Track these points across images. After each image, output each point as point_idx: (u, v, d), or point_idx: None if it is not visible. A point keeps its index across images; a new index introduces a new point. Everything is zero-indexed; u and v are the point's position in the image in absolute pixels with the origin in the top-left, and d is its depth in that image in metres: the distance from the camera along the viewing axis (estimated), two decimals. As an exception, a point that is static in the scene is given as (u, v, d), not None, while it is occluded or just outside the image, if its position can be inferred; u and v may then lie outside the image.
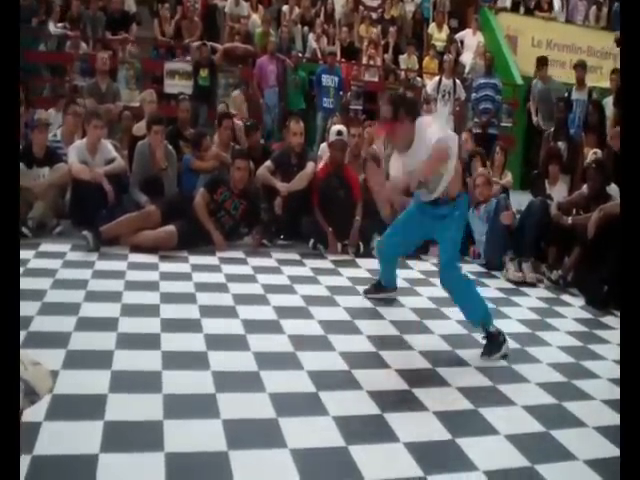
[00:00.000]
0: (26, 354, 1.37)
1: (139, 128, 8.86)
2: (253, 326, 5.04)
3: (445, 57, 13.37)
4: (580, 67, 11.86)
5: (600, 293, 6.34)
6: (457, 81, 12.70)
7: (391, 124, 4.89)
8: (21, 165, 7.17)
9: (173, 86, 12.34)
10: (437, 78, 12.77)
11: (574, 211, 7.34)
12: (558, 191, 8.33)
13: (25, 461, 2.99)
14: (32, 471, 2.97)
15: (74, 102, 8.72)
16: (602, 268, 6.40)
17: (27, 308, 4.92)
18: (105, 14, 13.36)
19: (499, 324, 5.58)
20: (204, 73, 12.16)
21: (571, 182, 9.48)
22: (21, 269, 5.85)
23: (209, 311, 5.28)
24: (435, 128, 4.82)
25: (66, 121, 8.52)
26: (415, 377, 4.41)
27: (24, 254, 6.26)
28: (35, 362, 1.39)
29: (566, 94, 11.96)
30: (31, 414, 1.32)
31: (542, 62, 13.03)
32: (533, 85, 13.10)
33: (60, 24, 12.93)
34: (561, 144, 10.49)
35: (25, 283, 5.51)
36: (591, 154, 8.94)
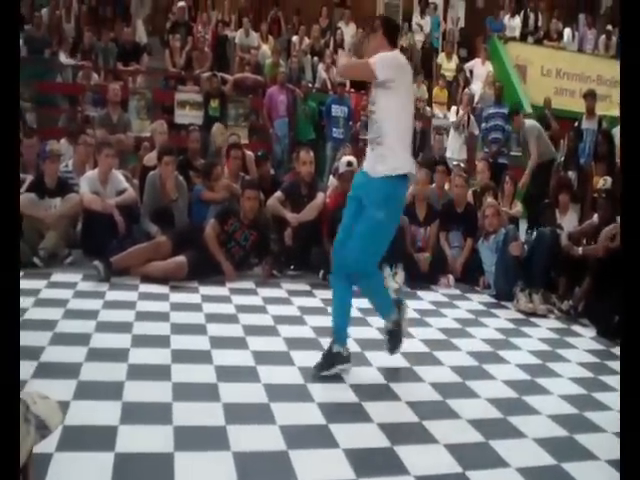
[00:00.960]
0: (34, 389, 1.38)
1: (150, 158, 8.91)
2: (263, 357, 5.04)
3: (466, 90, 13.46)
4: (590, 96, 11.86)
5: (611, 323, 6.31)
6: (471, 116, 12.75)
7: (369, 31, 4.95)
8: (33, 195, 7.23)
9: (184, 116, 12.45)
10: (455, 107, 12.84)
11: (584, 241, 7.34)
12: (568, 220, 8.34)
13: (36, 494, 3.00)
14: (43, 504, 2.97)
15: (84, 132, 8.78)
16: (612, 297, 6.38)
17: (38, 338, 4.95)
18: (116, 45, 13.52)
19: (509, 355, 5.59)
20: (214, 104, 12.24)
21: (581, 211, 9.48)
22: (32, 299, 5.88)
23: (219, 342, 5.28)
24: (388, 56, 4.68)
25: (77, 151, 8.58)
26: (425, 409, 4.40)
27: (35, 284, 6.30)
28: (44, 396, 1.39)
29: (576, 123, 11.98)
30: (42, 445, 1.32)
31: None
32: None
33: (71, 55, 13.08)
34: (571, 173, 10.52)
35: (36, 313, 5.56)
36: (601, 181, 8.94)
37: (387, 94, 4.66)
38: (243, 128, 12.62)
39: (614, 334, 6.23)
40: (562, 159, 11.81)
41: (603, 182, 8.70)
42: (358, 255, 4.69)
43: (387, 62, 4.62)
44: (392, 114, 4.68)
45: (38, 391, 1.39)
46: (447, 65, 15.78)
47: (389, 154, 4.66)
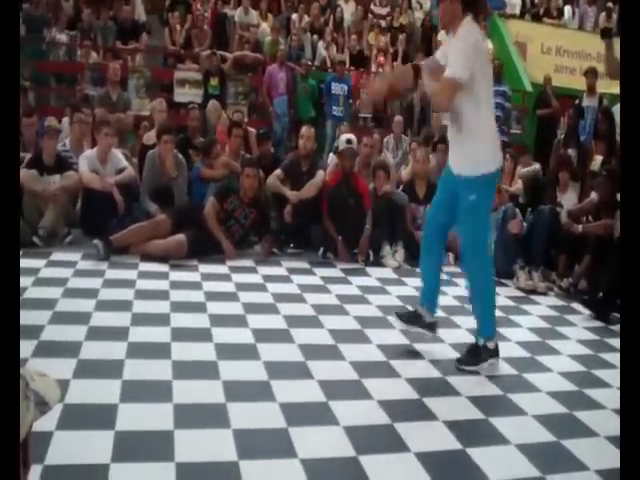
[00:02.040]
0: (32, 366, 1.38)
1: (149, 137, 8.89)
2: (263, 335, 5.04)
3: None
4: (591, 74, 11.77)
5: (605, 307, 6.26)
6: None
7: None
8: (33, 171, 7.20)
9: (183, 95, 12.41)
10: None
11: (584, 219, 7.33)
12: (568, 198, 8.32)
13: (37, 471, 3.00)
14: (43, 481, 2.98)
15: (79, 110, 8.73)
16: (602, 277, 6.38)
17: (38, 317, 4.96)
18: (115, 23, 13.44)
19: (509, 332, 5.60)
20: (214, 82, 12.21)
21: (581, 189, 9.45)
22: (32, 278, 5.88)
23: (219, 320, 5.29)
24: (469, 40, 4.46)
25: (73, 130, 8.53)
26: (425, 386, 4.41)
27: (35, 263, 6.30)
28: (41, 373, 1.39)
29: (577, 101, 11.93)
30: (43, 424, 1.33)
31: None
32: None
33: (66, 31, 12.98)
34: (571, 151, 10.47)
35: (36, 292, 5.56)
36: (598, 160, 8.92)
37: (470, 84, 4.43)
38: (243, 106, 12.56)
39: (602, 313, 6.20)
40: (562, 137, 11.76)
41: (593, 163, 8.68)
42: None
43: (464, 58, 4.42)
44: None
45: (36, 368, 1.39)
46: (447, 42, 15.67)
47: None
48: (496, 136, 4.80)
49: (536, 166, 9.32)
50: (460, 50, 4.43)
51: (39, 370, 1.41)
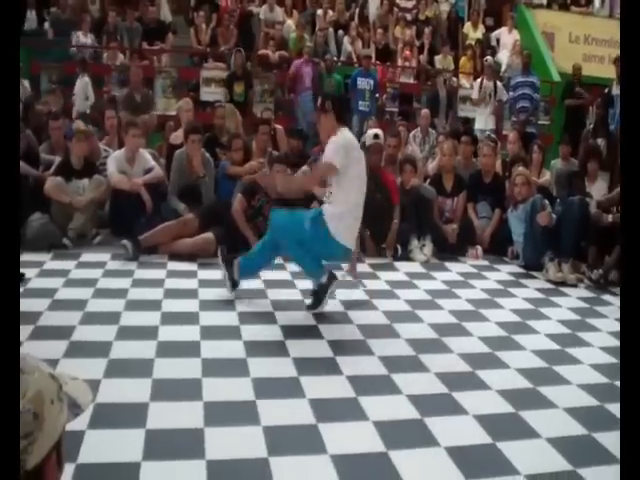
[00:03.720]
0: (63, 371, 1.41)
1: (176, 137, 8.93)
2: (292, 331, 5.07)
3: (485, 59, 13.25)
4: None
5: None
6: (498, 83, 12.58)
7: (320, 113, 5.63)
8: (60, 179, 7.25)
9: (210, 94, 12.41)
10: (479, 80, 12.66)
11: (614, 209, 7.25)
12: (597, 189, 8.24)
13: (69, 470, 3.03)
14: (76, 479, 3.01)
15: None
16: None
17: (69, 318, 5.01)
18: (141, 24, 13.50)
19: (539, 325, 5.56)
20: (239, 89, 12.11)
21: (611, 179, 9.36)
22: (63, 279, 5.95)
23: (248, 317, 5.32)
24: (339, 142, 5.43)
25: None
26: (455, 380, 4.40)
27: (65, 264, 6.38)
28: (73, 377, 1.42)
29: (606, 90, 11.81)
30: (74, 423, 1.35)
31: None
32: None
33: (90, 35, 13.07)
34: (600, 141, 10.38)
35: (67, 293, 5.63)
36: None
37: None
38: (269, 104, 12.56)
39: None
40: (591, 127, 11.64)
41: None
42: None
43: (338, 147, 5.39)
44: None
45: (68, 373, 1.42)
46: (473, 35, 15.56)
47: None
48: (358, 216, 5.65)
49: (547, 177, 9.18)
50: (332, 149, 5.42)
51: (70, 374, 1.44)
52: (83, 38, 12.94)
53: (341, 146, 5.40)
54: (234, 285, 5.79)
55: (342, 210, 5.45)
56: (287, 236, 5.58)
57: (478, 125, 12.16)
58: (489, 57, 13.39)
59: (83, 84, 11.20)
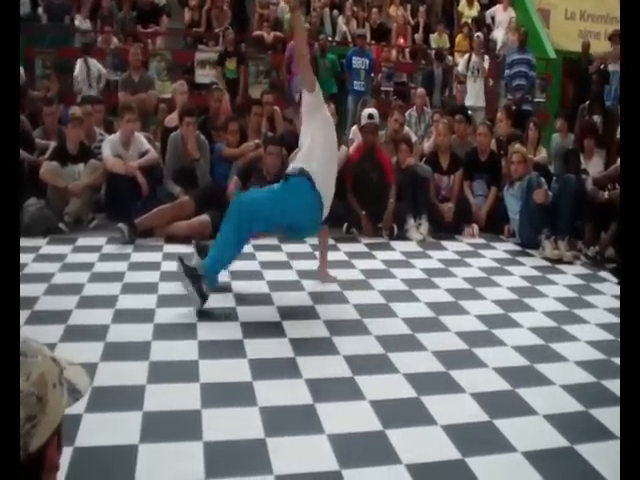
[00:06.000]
0: (61, 356, 1.41)
1: (171, 120, 8.89)
2: (288, 312, 5.07)
3: (477, 35, 13.19)
4: (616, 38, 11.60)
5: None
6: (485, 57, 12.54)
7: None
8: (55, 164, 7.23)
9: (204, 76, 12.37)
10: (467, 56, 12.63)
11: (610, 186, 7.24)
12: (594, 166, 8.23)
13: (67, 453, 3.04)
14: (74, 462, 3.01)
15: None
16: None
17: (66, 302, 5.02)
18: (135, 7, 13.43)
19: (536, 302, 5.57)
20: (231, 65, 12.04)
21: (607, 156, 9.34)
22: (59, 264, 5.94)
23: (245, 299, 5.32)
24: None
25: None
26: (451, 358, 4.40)
27: (61, 249, 6.37)
28: (71, 362, 1.43)
29: (602, 66, 11.77)
30: (72, 407, 1.36)
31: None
32: None
33: (89, 21, 13.01)
34: (596, 117, 10.35)
35: (63, 277, 5.62)
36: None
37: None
38: (264, 85, 12.51)
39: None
40: (587, 103, 11.59)
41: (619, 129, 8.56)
42: None
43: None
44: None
45: (65, 358, 1.43)
46: (469, 12, 15.49)
47: None
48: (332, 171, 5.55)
49: (543, 154, 9.16)
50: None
51: (68, 359, 1.45)
52: (83, 23, 12.87)
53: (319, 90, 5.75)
54: (203, 298, 5.02)
55: (319, 159, 5.34)
56: (260, 207, 5.31)
57: (468, 102, 12.07)
58: (479, 33, 13.32)
59: (93, 66, 11.09)
